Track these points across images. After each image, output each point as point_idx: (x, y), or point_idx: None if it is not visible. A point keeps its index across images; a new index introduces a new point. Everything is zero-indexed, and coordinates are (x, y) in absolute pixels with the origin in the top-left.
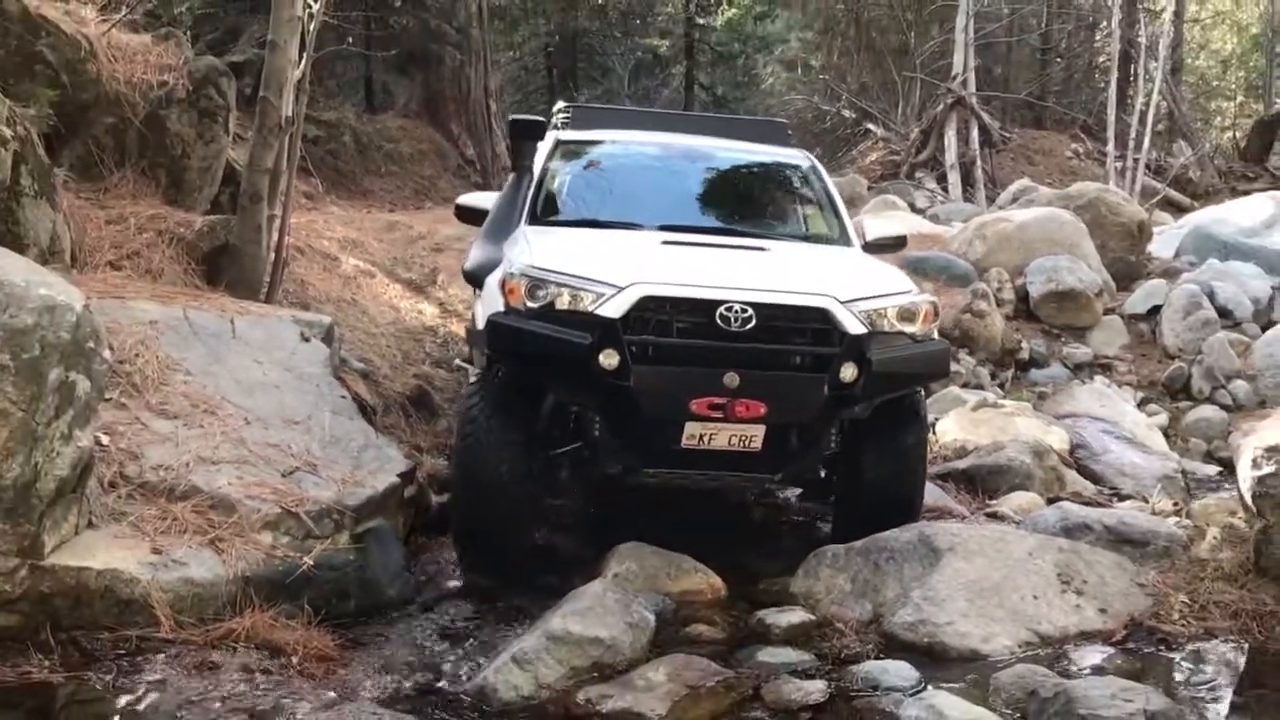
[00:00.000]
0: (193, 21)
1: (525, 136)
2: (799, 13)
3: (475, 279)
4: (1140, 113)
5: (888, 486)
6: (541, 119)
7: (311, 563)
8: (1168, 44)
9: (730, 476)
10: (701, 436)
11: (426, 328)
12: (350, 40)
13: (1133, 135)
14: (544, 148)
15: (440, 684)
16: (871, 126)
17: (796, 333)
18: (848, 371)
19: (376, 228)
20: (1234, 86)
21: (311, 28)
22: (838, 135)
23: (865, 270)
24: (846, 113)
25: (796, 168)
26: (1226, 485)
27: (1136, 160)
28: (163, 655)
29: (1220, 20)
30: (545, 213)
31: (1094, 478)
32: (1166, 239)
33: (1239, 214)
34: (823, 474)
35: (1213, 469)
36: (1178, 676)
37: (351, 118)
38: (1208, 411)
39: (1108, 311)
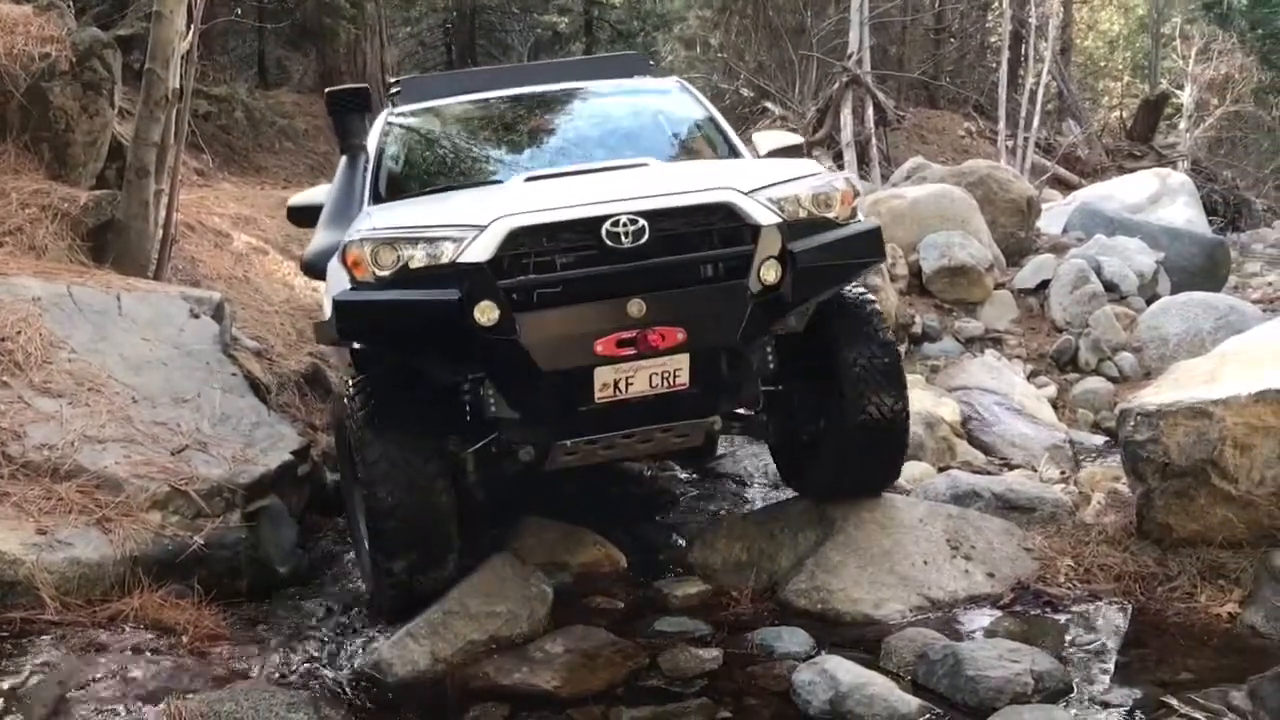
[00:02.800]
0: None
1: (348, 109)
2: None
3: (316, 269)
4: (1030, 92)
5: (870, 421)
6: (364, 86)
7: (202, 542)
8: (1057, 24)
9: (661, 431)
10: (617, 384)
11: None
12: (239, 12)
13: (1023, 114)
14: (378, 125)
15: (335, 661)
16: (769, 105)
17: (700, 238)
18: (769, 271)
19: (270, 204)
20: (1121, 67)
21: None
22: (736, 114)
23: (765, 165)
24: (745, 91)
25: (666, 93)
26: (1112, 454)
27: (1027, 139)
28: (48, 637)
29: (1108, 2)
30: (390, 191)
31: (985, 448)
32: (1055, 215)
33: (1125, 190)
34: (763, 416)
35: (1099, 439)
36: (1064, 638)
37: (244, 93)
38: (1094, 383)
39: (998, 286)
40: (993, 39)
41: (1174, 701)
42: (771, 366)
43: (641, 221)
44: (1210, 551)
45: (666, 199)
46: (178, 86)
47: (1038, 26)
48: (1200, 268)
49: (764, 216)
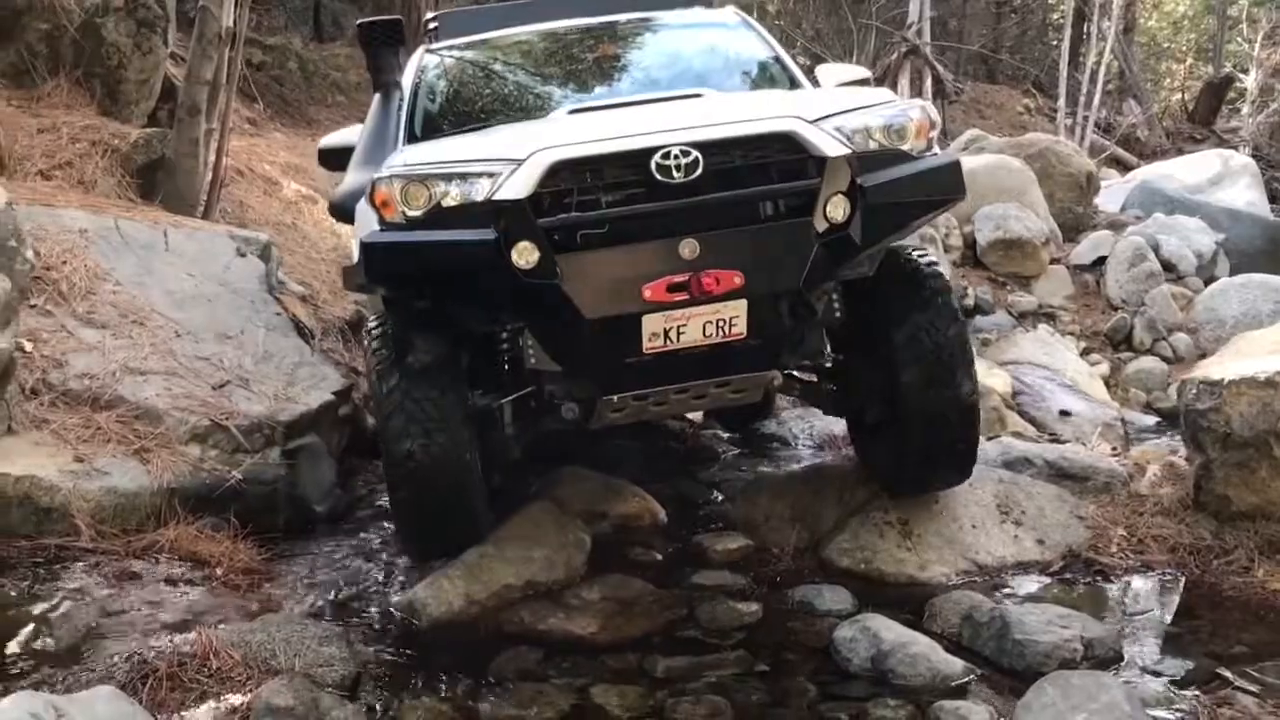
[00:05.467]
0: None
1: (382, 42)
2: None
3: (344, 210)
4: (1091, 71)
5: (932, 403)
6: (398, 18)
7: (240, 476)
8: (1121, 3)
9: (716, 386)
10: (667, 333)
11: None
12: None
13: (1083, 93)
14: (413, 61)
15: (368, 599)
16: None
17: (760, 171)
18: (836, 208)
19: None
20: (1184, 49)
21: None
22: None
23: (832, 93)
24: (802, 59)
25: (723, 25)
26: (1165, 434)
27: (1086, 117)
28: (82, 564)
29: None
30: (426, 130)
31: (1035, 424)
32: (1113, 193)
33: (1186, 170)
34: (831, 385)
35: (1151, 419)
36: (1114, 607)
37: (298, 44)
38: (1148, 363)
39: (1054, 261)
40: (1055, 15)
41: (1228, 674)
42: (838, 317)
43: (695, 153)
44: (1269, 526)
45: (722, 128)
46: (230, 25)
47: (1101, 4)
48: (1261, 250)
49: (831, 147)
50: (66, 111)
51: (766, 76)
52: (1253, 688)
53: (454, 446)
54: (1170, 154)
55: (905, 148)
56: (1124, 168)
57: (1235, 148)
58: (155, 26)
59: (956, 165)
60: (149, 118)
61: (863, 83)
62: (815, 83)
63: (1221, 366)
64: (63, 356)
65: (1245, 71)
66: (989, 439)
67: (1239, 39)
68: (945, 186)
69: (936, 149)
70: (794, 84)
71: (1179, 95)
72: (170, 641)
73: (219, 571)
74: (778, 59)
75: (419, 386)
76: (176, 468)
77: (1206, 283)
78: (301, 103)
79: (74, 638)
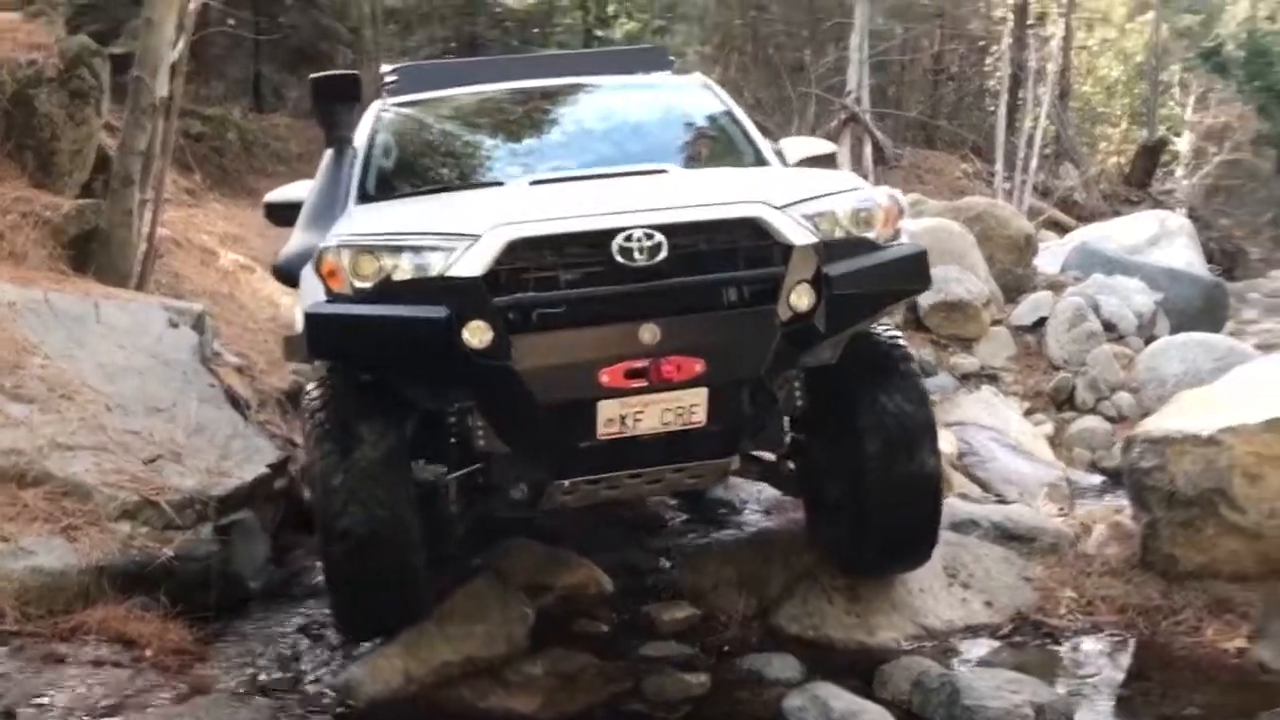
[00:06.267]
0: (72, 12)
1: (335, 97)
2: (697, 27)
3: (289, 274)
4: (1028, 136)
5: (895, 484)
6: (354, 73)
7: (171, 554)
8: (1056, 69)
9: (672, 472)
10: (624, 419)
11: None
12: (232, 22)
13: (1021, 157)
14: (369, 116)
15: (303, 679)
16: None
17: (724, 257)
18: (801, 297)
19: (260, 224)
20: (1119, 113)
21: (190, 6)
22: None
23: (798, 175)
24: None
25: (688, 91)
26: (1110, 494)
27: (1024, 181)
28: (5, 648)
29: (1107, 48)
30: (379, 189)
31: (980, 484)
32: (1052, 255)
33: (1124, 231)
34: (790, 464)
35: (1097, 478)
36: (1064, 669)
37: (237, 115)
38: (1092, 422)
39: (995, 323)
40: (991, 82)
41: None
42: (799, 404)
43: (658, 236)
44: (1217, 584)
45: (687, 211)
46: (166, 95)
47: (1036, 70)
48: (1199, 310)
49: (797, 235)
50: None
51: (733, 151)
52: None
53: (396, 523)
54: (1107, 216)
55: (872, 236)
56: (1062, 230)
57: (1171, 209)
58: (89, 97)
59: (923, 255)
60: (83, 188)
61: (827, 159)
62: (780, 154)
63: (1164, 424)
64: None
65: (1178, 135)
66: None
67: (1172, 103)
68: (911, 276)
69: (904, 237)
70: (760, 158)
71: (1114, 158)
72: None
73: (149, 653)
74: (744, 131)
75: (360, 461)
76: (105, 546)
77: (1146, 342)
78: (241, 173)
79: None
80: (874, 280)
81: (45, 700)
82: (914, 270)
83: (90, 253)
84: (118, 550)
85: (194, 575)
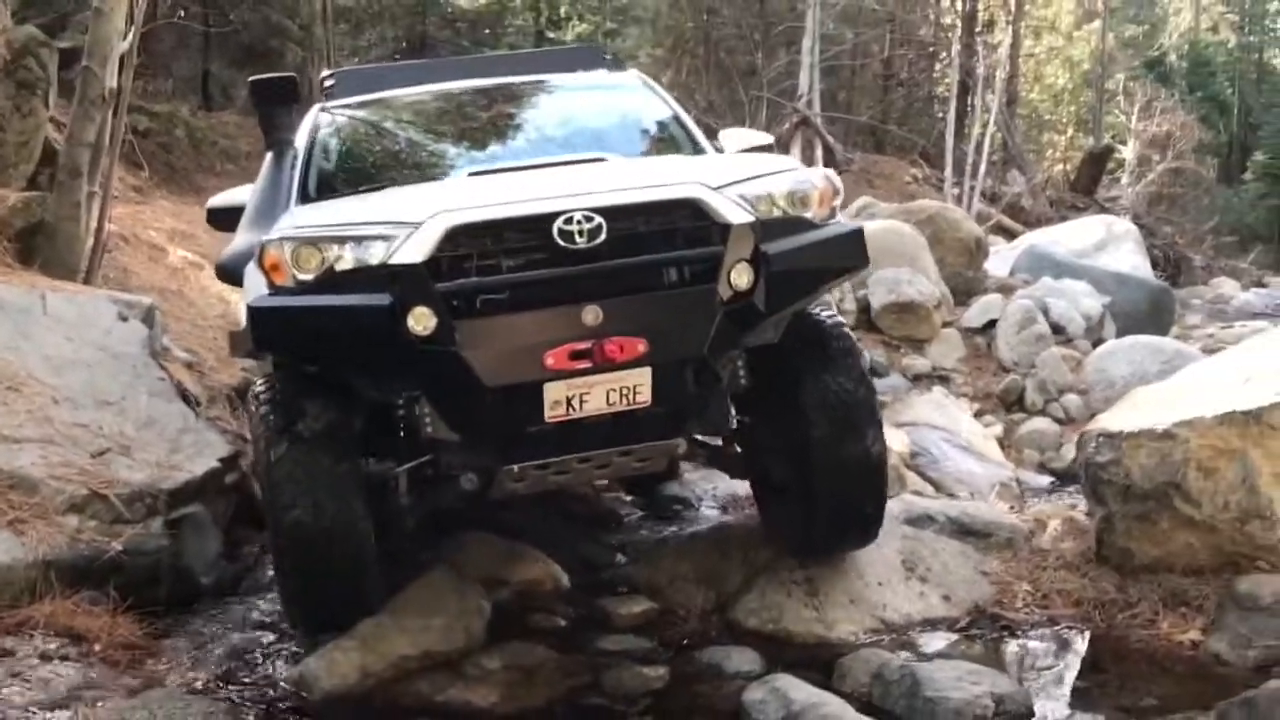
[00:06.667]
0: (19, 4)
1: (274, 100)
2: (649, 30)
3: (232, 273)
4: (976, 142)
5: (840, 462)
6: (292, 75)
7: (120, 548)
8: (1003, 76)
9: (619, 455)
10: (570, 401)
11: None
12: (182, 14)
13: (969, 163)
14: (309, 119)
15: (256, 672)
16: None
17: (663, 238)
18: (740, 275)
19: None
20: (1065, 120)
21: None
22: None
23: (735, 160)
24: None
25: (625, 87)
26: (1058, 494)
27: (973, 187)
28: None
29: (1054, 56)
30: (320, 189)
31: (933, 484)
32: (1002, 259)
33: (1072, 236)
34: (736, 448)
35: (1046, 479)
36: (1022, 662)
37: (186, 112)
38: (1041, 424)
39: (946, 324)
40: (940, 89)
41: None
42: (743, 383)
43: (598, 219)
44: (1172, 578)
45: (626, 194)
46: (114, 86)
47: (984, 78)
48: (1145, 314)
49: (734, 214)
50: None
51: (670, 141)
52: None
53: (346, 516)
54: (1054, 222)
55: (809, 215)
56: (1009, 235)
57: (1116, 215)
58: (36, 89)
59: (859, 233)
60: (29, 181)
61: (765, 148)
62: (718, 148)
63: (1120, 419)
64: None
65: (1124, 143)
66: (890, 497)
67: (1117, 111)
68: (849, 254)
69: (840, 217)
70: (697, 148)
71: (1061, 165)
72: None
73: (98, 647)
74: (681, 123)
75: (309, 453)
76: (53, 539)
77: (1094, 344)
78: (189, 170)
79: None
80: (812, 257)
81: None
82: (851, 248)
83: (36, 246)
84: (65, 544)
85: (144, 570)
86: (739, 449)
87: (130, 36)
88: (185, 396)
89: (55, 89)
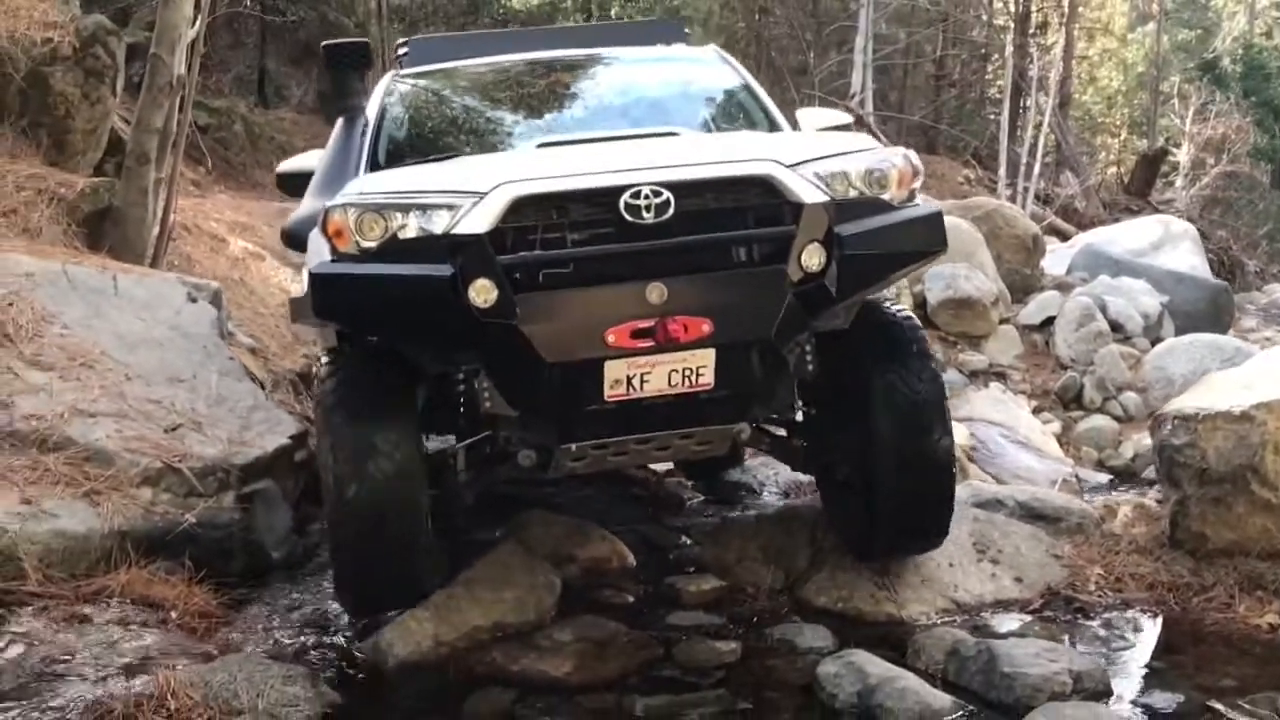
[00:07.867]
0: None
1: (348, 64)
2: (701, 30)
3: (297, 238)
4: (1030, 144)
5: (906, 463)
6: (365, 40)
7: (194, 520)
8: (1057, 78)
9: (680, 437)
10: (630, 380)
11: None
12: (248, 3)
13: (1022, 164)
14: (380, 86)
15: (331, 640)
16: None
17: (734, 215)
18: (812, 257)
19: (267, 214)
20: (1119, 123)
21: None
22: None
23: (810, 138)
24: None
25: (700, 61)
26: (1117, 491)
27: (1026, 188)
28: (30, 608)
29: (1108, 58)
30: (390, 158)
31: (991, 478)
32: (1058, 257)
33: (1129, 235)
34: (800, 441)
35: (1104, 477)
36: (1096, 643)
37: (243, 108)
38: (1099, 421)
39: (1003, 321)
40: (993, 90)
41: (1220, 706)
42: (810, 370)
43: (666, 194)
44: (1248, 562)
45: (696, 169)
46: (182, 74)
47: (1038, 79)
48: (1204, 313)
49: (808, 194)
50: (12, 160)
51: (745, 117)
52: None
53: (404, 493)
54: (1107, 224)
55: (886, 197)
56: (1063, 237)
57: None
58: (104, 76)
59: (938, 216)
60: (95, 169)
61: (844, 128)
62: (796, 126)
63: (1196, 401)
64: (9, 398)
65: (1178, 145)
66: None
67: (1171, 114)
68: (926, 238)
69: (919, 199)
70: (773, 126)
71: (1114, 167)
72: (126, 683)
73: (174, 615)
74: (758, 100)
75: (369, 426)
76: (128, 510)
77: (1153, 343)
78: (247, 165)
79: (24, 680)
80: (888, 241)
81: (73, 657)
82: (929, 231)
83: (104, 231)
84: (140, 515)
85: (216, 542)
86: (804, 442)
87: (198, 24)
88: (253, 377)
89: (123, 77)
